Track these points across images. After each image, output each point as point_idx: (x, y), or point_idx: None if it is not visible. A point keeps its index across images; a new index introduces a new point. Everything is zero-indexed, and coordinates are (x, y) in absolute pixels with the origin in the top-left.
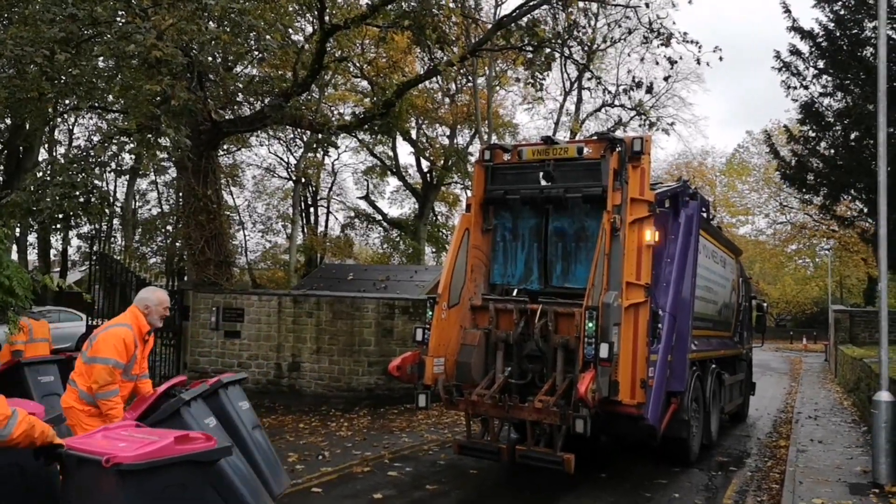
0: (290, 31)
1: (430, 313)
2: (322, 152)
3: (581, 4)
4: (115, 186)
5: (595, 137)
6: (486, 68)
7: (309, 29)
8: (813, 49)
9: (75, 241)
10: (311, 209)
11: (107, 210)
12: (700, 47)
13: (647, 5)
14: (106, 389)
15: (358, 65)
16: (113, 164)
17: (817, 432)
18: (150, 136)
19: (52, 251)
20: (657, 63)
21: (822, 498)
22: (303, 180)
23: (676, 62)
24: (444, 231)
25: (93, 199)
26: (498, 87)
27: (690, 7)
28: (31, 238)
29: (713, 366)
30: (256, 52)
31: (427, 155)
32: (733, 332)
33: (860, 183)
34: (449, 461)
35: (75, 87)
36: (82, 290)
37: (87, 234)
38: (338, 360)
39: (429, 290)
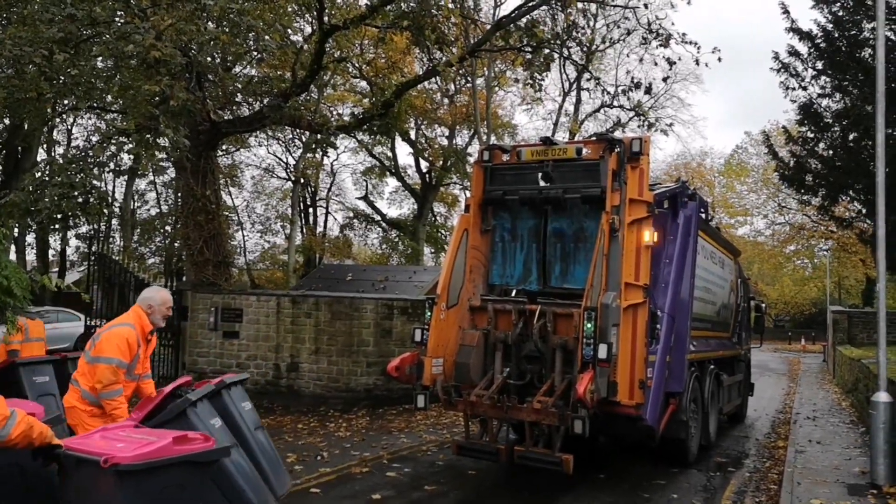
0: (289, 31)
1: (429, 314)
2: (321, 153)
3: (580, 5)
4: (114, 187)
5: (594, 138)
6: (484, 69)
7: (308, 29)
8: (811, 50)
9: (74, 242)
10: (310, 209)
11: (105, 210)
12: (699, 48)
13: (645, 6)
14: (110, 389)
15: (357, 65)
16: (111, 165)
17: (816, 433)
18: (148, 136)
19: (51, 251)
20: (656, 64)
21: (821, 499)
22: (301, 181)
23: (675, 63)
24: (442, 231)
25: (91, 200)
26: (497, 88)
27: (689, 8)
28: (30, 238)
29: (712, 366)
30: (255, 53)
31: (426, 155)
32: (732, 332)
33: (858, 184)
34: (447, 462)
35: (74, 88)
36: (81, 290)
37: (86, 234)
38: (336, 361)
39: (427, 290)
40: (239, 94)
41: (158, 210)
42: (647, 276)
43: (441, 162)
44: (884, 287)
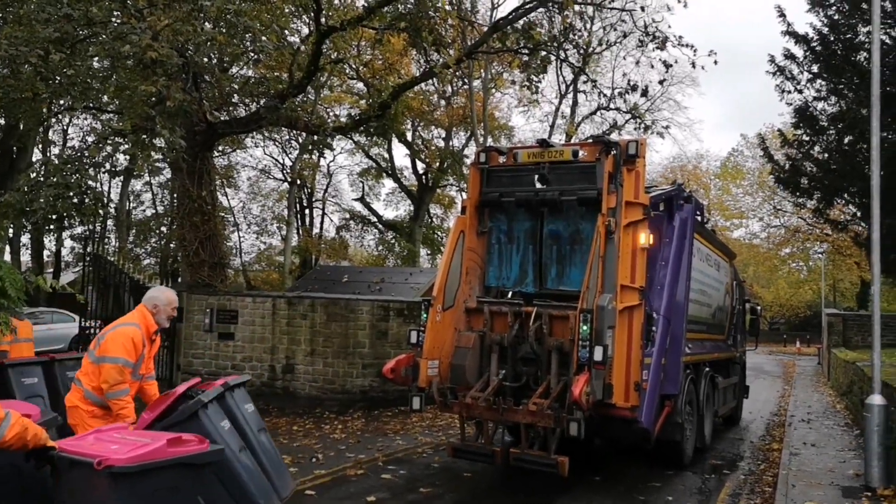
0: (286, 32)
1: (425, 316)
2: (317, 154)
3: (577, 8)
4: (110, 187)
5: (590, 140)
6: (481, 71)
7: (305, 30)
8: (807, 53)
9: (69, 242)
10: (306, 211)
11: (100, 211)
12: (695, 51)
13: (642, 9)
14: (116, 389)
15: (354, 66)
16: (107, 165)
17: (810, 436)
18: (144, 136)
19: (46, 252)
20: (652, 66)
21: (815, 501)
22: (298, 182)
23: (672, 66)
24: (439, 233)
25: (87, 200)
26: (494, 90)
27: (686, 11)
28: (25, 239)
29: (707, 369)
30: (252, 54)
31: (422, 157)
32: (727, 335)
33: (853, 187)
34: (443, 464)
35: (70, 88)
36: (75, 291)
37: (81, 234)
38: (332, 363)
39: (423, 292)
40: (235, 95)
41: (154, 211)
42: (642, 279)
43: (438, 164)
44: (878, 290)
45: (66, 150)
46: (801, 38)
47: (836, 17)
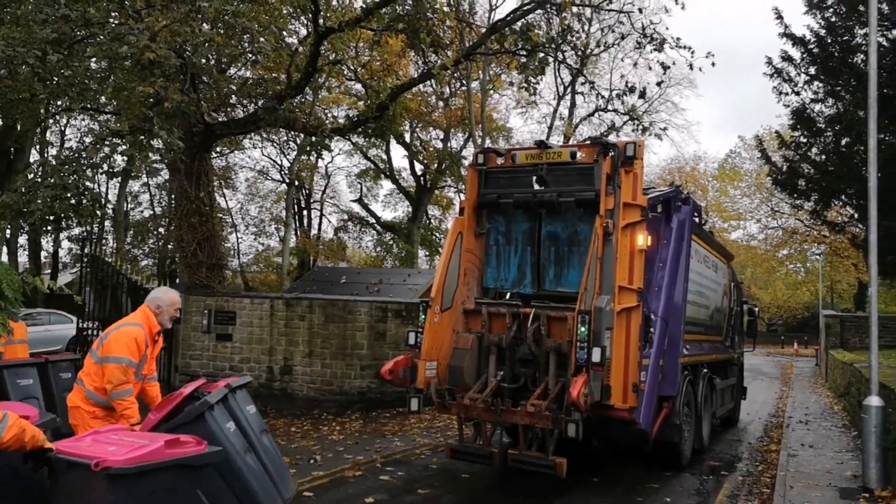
0: (284, 33)
1: (423, 317)
2: (315, 155)
3: (575, 9)
4: (107, 188)
5: (588, 142)
6: (480, 72)
7: (303, 31)
8: (804, 55)
9: (66, 243)
10: (305, 212)
11: (98, 212)
12: (693, 53)
13: (640, 11)
14: (121, 389)
15: (352, 68)
16: (105, 166)
17: (808, 437)
18: (142, 137)
19: (43, 253)
20: (650, 68)
21: (813, 502)
22: (296, 183)
23: (669, 67)
24: (437, 234)
25: (84, 201)
26: (492, 91)
27: (684, 13)
28: (22, 240)
29: (705, 370)
30: (250, 55)
31: (421, 158)
32: (725, 336)
33: (851, 188)
34: (441, 465)
35: (67, 89)
36: (73, 292)
37: (79, 235)
38: (330, 364)
39: (422, 293)
40: (233, 96)
41: (152, 212)
42: (640, 280)
43: (436, 165)
44: (876, 291)
45: (64, 150)
46: (798, 41)
47: (833, 19)
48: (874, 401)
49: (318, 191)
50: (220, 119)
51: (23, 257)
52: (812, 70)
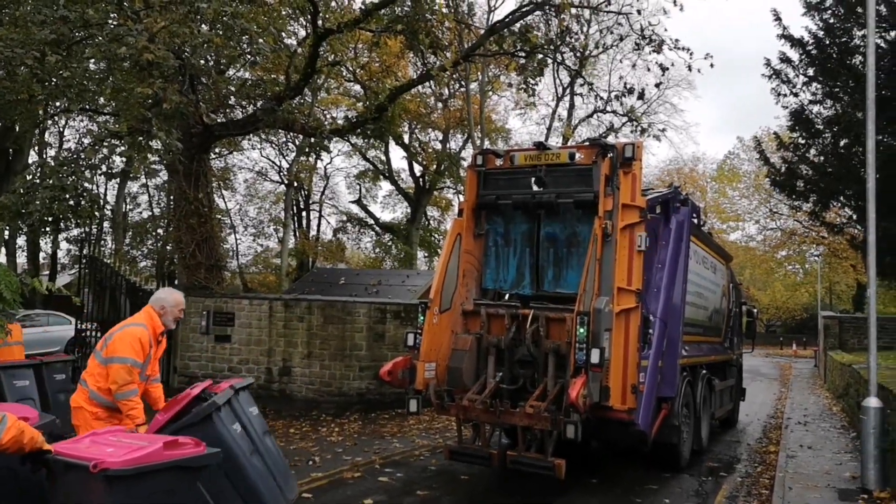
0: (283, 34)
1: (422, 318)
2: (314, 156)
3: (573, 11)
4: (106, 189)
5: (587, 143)
6: (478, 73)
7: (302, 33)
8: (803, 57)
9: (65, 245)
10: (303, 213)
11: (97, 213)
12: (691, 54)
13: (638, 12)
14: (126, 389)
15: (351, 69)
16: (103, 167)
17: (807, 438)
18: (141, 138)
19: (42, 254)
20: (649, 69)
21: None
22: (295, 184)
23: (668, 69)
24: (436, 236)
25: (83, 202)
26: (490, 93)
27: (682, 14)
28: (21, 241)
29: (704, 371)
30: (249, 56)
31: (420, 159)
32: (723, 337)
33: (849, 190)
34: (440, 466)
35: (66, 90)
36: (71, 293)
37: (77, 237)
38: (329, 365)
39: (420, 294)
40: (232, 97)
41: (150, 213)
42: (639, 281)
43: (435, 166)
44: (874, 292)
45: (63, 152)
46: (796, 42)
47: (831, 20)
48: (873, 402)
49: (317, 192)
50: (218, 120)
51: (21, 258)
52: (810, 71)
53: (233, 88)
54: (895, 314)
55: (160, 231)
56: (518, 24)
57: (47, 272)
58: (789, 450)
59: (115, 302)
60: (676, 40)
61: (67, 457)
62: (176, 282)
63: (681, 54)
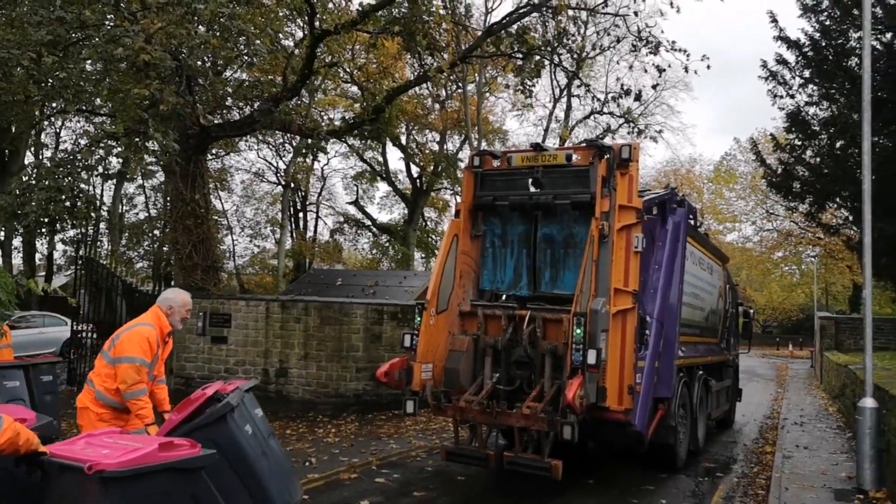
0: (280, 36)
1: (419, 319)
2: (311, 157)
3: (570, 12)
4: (103, 190)
5: (584, 144)
6: (475, 75)
7: (299, 34)
8: (799, 59)
9: (61, 246)
10: (300, 214)
11: (93, 214)
12: (688, 56)
13: (635, 14)
14: (135, 389)
15: (348, 70)
16: (100, 168)
17: (803, 438)
18: (137, 140)
19: (38, 255)
20: (646, 71)
21: None
22: (292, 185)
23: (665, 70)
24: (433, 236)
25: (79, 203)
26: (488, 94)
27: (679, 16)
28: (17, 242)
29: (700, 372)
30: (246, 57)
31: (417, 160)
32: (720, 338)
33: (845, 191)
34: (437, 467)
35: (62, 91)
36: (67, 294)
37: (73, 238)
38: (325, 366)
39: (417, 295)
40: (229, 99)
41: (147, 214)
42: (636, 282)
43: (432, 167)
44: (870, 293)
45: (59, 153)
46: (793, 44)
47: (827, 22)
48: (868, 402)
49: (314, 193)
50: (215, 121)
51: (17, 259)
52: (806, 73)
53: (230, 90)
54: (891, 315)
55: (157, 232)
56: (515, 26)
57: (43, 273)
58: (785, 450)
59: (112, 303)
60: (673, 42)
61: (62, 458)
62: (172, 283)
63: (677, 56)
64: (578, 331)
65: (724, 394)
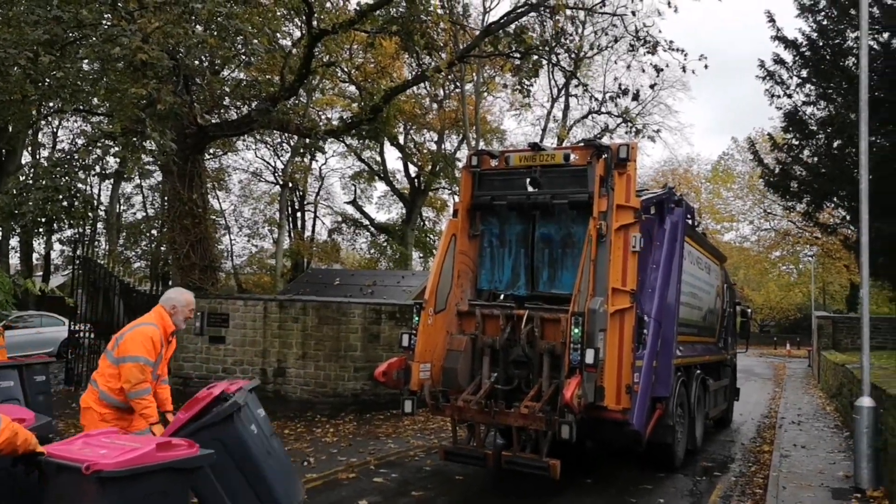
0: (278, 35)
1: (417, 319)
2: (309, 157)
3: (568, 12)
4: (100, 190)
5: (582, 144)
6: (473, 74)
7: (297, 33)
8: (796, 58)
9: (58, 245)
10: (298, 214)
11: (90, 214)
12: (686, 55)
13: (633, 14)
14: (138, 388)
15: (346, 70)
16: (97, 168)
17: (800, 437)
18: (135, 139)
19: (35, 255)
20: (643, 71)
21: (805, 503)
22: (290, 185)
23: (662, 70)
24: (431, 236)
25: (76, 203)
26: (485, 94)
27: (676, 16)
28: (14, 242)
29: (698, 371)
30: (243, 56)
31: (415, 160)
32: (718, 337)
33: (843, 191)
34: (435, 467)
35: (59, 90)
36: (65, 294)
37: (71, 237)
38: (324, 366)
39: (415, 295)
40: (227, 98)
41: (144, 214)
42: (634, 282)
43: (430, 167)
44: (867, 292)
45: (56, 152)
46: (790, 44)
47: (824, 22)
48: (866, 401)
49: (312, 192)
50: (213, 121)
51: (14, 259)
52: (804, 73)
53: (227, 89)
54: (888, 314)
55: (154, 232)
56: (513, 26)
57: (40, 273)
58: (783, 449)
59: (109, 303)
60: (671, 42)
61: (60, 458)
62: (170, 283)
63: (675, 55)
64: (576, 330)
65: (721, 393)
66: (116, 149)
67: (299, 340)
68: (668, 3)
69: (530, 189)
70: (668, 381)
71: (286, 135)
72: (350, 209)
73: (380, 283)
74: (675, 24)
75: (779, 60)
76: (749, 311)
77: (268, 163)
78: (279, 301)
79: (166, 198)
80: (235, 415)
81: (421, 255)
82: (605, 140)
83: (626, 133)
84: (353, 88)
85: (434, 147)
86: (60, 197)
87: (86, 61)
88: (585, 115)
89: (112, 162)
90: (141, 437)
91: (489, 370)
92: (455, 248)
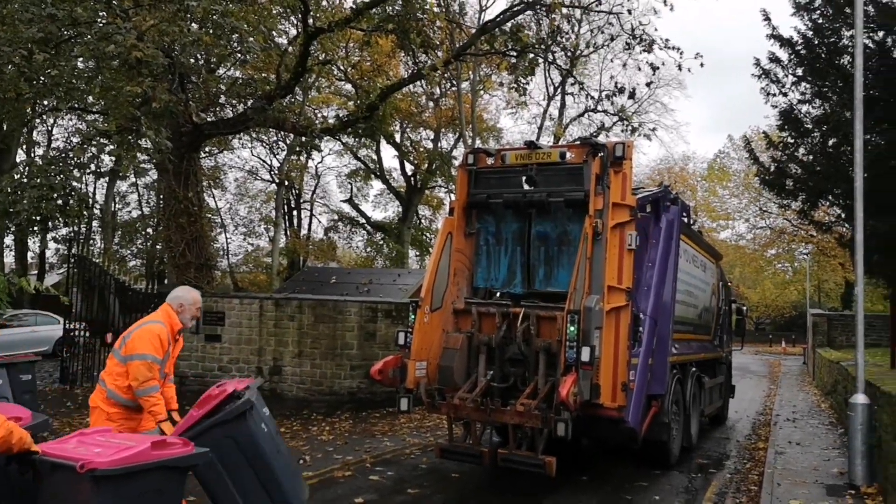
0: (274, 33)
1: (413, 317)
2: (305, 155)
3: (564, 10)
4: (95, 188)
5: (578, 142)
6: (470, 73)
7: (293, 31)
8: (792, 57)
9: (53, 244)
10: (294, 212)
11: (85, 212)
12: (681, 54)
13: (629, 12)
14: (146, 386)
15: (342, 68)
16: (92, 166)
17: (795, 434)
18: (130, 137)
19: (30, 253)
20: (639, 69)
21: (800, 499)
22: (286, 183)
23: (658, 68)
24: (427, 234)
25: (71, 201)
26: (482, 92)
27: (672, 15)
28: (8, 240)
29: (693, 369)
30: (239, 54)
31: (411, 158)
32: (713, 335)
33: (838, 189)
34: (431, 465)
35: (54, 88)
36: (60, 293)
37: (66, 236)
38: (320, 364)
39: (412, 293)
40: (222, 96)
41: (140, 212)
42: (629, 280)
43: (426, 165)
44: (862, 290)
45: (51, 150)
46: (785, 42)
47: (820, 21)
48: (860, 399)
49: (308, 191)
50: (208, 119)
51: (9, 258)
52: (799, 71)
53: (223, 87)
54: (883, 312)
55: (149, 230)
56: (509, 24)
57: (35, 271)
58: (778, 446)
59: (104, 302)
60: (667, 40)
61: (54, 457)
62: (166, 281)
63: (671, 54)
64: (572, 328)
65: (717, 390)
66: (111, 147)
67: (295, 339)
68: (664, 2)
69: (526, 187)
70: (663, 379)
71: (282, 133)
72: (346, 207)
73: (376, 281)
74: (671, 23)
75: (774, 59)
76: (744, 308)
77: (264, 161)
78: (275, 299)
79: (162, 196)
80: (248, 413)
81: (417, 253)
82: (601, 138)
83: (623, 131)
84: (349, 86)
85: (430, 145)
86: (55, 195)
87: (80, 59)
88: (581, 114)
89: (107, 160)
90: (136, 436)
91: (485, 368)
92: (451, 246)
